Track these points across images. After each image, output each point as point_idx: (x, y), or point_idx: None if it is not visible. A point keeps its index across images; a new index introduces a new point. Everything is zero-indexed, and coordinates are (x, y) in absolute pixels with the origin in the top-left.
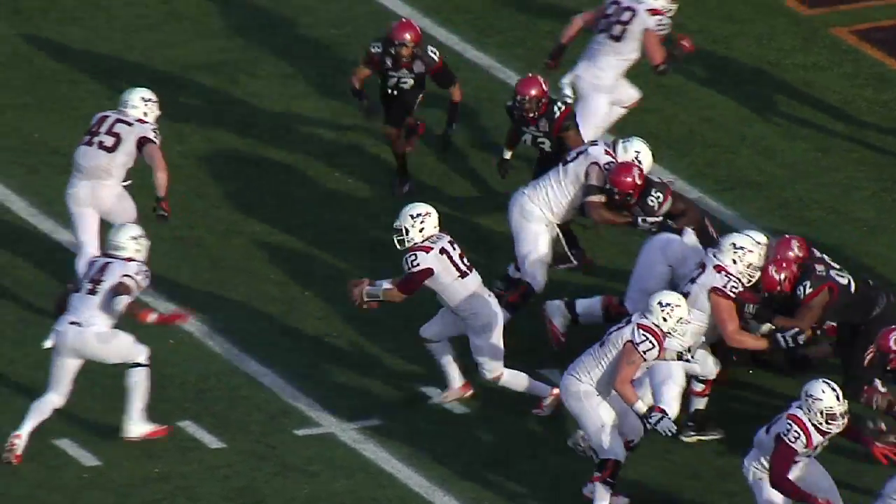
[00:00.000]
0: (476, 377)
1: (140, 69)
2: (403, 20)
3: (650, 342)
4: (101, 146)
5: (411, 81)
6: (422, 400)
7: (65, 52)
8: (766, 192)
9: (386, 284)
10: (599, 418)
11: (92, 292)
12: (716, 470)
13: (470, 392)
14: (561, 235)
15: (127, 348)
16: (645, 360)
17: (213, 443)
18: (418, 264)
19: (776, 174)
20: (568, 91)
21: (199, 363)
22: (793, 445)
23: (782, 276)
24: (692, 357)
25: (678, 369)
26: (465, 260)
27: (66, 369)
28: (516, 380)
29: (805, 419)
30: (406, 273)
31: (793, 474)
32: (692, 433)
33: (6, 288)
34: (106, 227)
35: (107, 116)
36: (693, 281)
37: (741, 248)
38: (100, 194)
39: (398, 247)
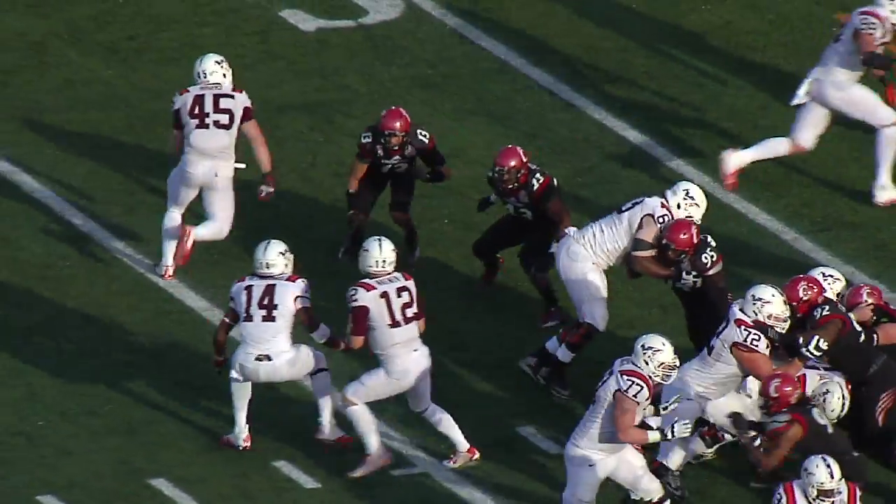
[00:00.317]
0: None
1: None
2: (392, 109)
3: (637, 384)
4: (219, 125)
5: (405, 166)
6: (518, 440)
7: (161, 92)
8: (861, 233)
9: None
10: (590, 485)
11: (268, 318)
12: None
13: (476, 456)
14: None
15: (310, 360)
16: (638, 403)
17: (308, 483)
18: (356, 300)
19: (873, 215)
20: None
21: (296, 404)
22: None
23: (803, 295)
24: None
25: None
26: (409, 311)
27: (249, 389)
28: (361, 419)
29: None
30: (349, 309)
31: None
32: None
33: (95, 318)
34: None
35: (201, 96)
36: (717, 335)
37: (759, 299)
38: (222, 174)
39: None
